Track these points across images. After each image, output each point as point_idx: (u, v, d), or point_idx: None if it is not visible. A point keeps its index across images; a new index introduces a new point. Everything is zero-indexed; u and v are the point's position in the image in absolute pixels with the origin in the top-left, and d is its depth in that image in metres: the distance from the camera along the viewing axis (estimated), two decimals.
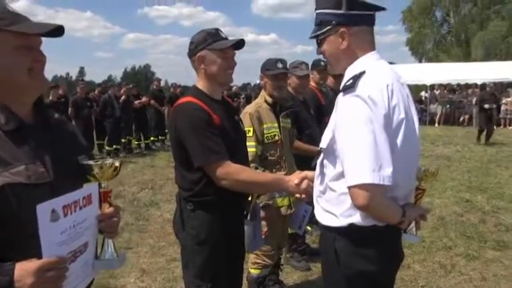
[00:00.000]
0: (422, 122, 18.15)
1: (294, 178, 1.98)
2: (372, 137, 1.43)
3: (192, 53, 2.16)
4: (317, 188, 1.73)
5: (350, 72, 1.61)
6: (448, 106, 18.21)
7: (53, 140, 1.33)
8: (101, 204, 1.34)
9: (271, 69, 3.08)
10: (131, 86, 12.33)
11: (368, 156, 1.42)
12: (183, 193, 2.16)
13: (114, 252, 1.37)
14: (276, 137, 2.99)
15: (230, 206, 2.13)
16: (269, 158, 2.98)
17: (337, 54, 1.67)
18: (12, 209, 1.16)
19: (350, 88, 1.51)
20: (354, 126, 1.46)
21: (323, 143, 1.66)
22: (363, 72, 1.54)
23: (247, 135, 2.81)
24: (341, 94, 1.57)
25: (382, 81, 1.52)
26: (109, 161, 1.35)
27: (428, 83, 18.79)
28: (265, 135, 2.95)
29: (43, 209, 1.09)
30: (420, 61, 35.62)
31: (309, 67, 4.07)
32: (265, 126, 2.96)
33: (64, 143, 1.38)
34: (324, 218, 1.68)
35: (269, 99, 3.09)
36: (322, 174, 1.69)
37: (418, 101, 19.90)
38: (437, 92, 18.87)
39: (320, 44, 1.71)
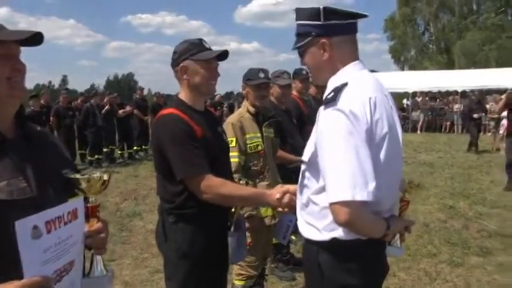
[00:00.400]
0: (404, 129, 18.39)
1: (276, 192, 1.97)
2: (353, 152, 1.40)
3: (175, 63, 2.13)
4: (299, 200, 1.71)
5: (332, 84, 1.59)
6: (429, 113, 18.50)
7: (36, 154, 1.28)
8: (89, 219, 1.28)
9: (253, 79, 3.07)
10: (115, 94, 12.22)
11: (349, 172, 1.39)
12: (165, 205, 2.13)
13: (103, 269, 1.31)
14: (259, 147, 2.96)
15: (212, 218, 2.09)
16: (252, 168, 2.95)
17: (319, 65, 1.64)
18: None
19: (331, 101, 1.48)
20: (335, 141, 1.43)
21: (305, 156, 1.64)
22: (345, 84, 1.51)
23: (230, 145, 2.78)
24: (322, 107, 1.54)
25: (364, 94, 1.49)
26: (97, 174, 1.30)
27: (410, 90, 19.06)
28: (248, 145, 2.92)
29: (23, 226, 1.00)
30: (402, 69, 36.25)
31: (291, 76, 4.07)
32: (248, 136, 2.93)
33: (47, 157, 1.33)
34: (306, 231, 1.65)
35: (251, 109, 3.08)
36: (304, 186, 1.66)
37: (400, 108, 20.18)
38: (418, 100, 19.16)
39: (301, 55, 1.69)
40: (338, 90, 1.50)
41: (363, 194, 1.39)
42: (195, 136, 2.00)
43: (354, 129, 1.42)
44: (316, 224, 1.59)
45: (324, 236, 1.56)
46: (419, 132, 17.71)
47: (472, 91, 17.83)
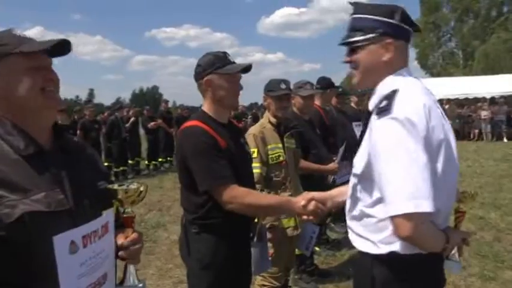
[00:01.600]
0: None
1: (301, 200, 1.96)
2: (412, 161, 1.33)
3: (199, 76, 2.16)
4: (350, 212, 1.65)
5: (380, 91, 1.52)
6: (456, 121, 18.05)
7: (72, 166, 1.31)
8: (125, 229, 1.33)
9: (275, 90, 3.07)
10: (147, 108, 12.47)
11: (409, 182, 1.32)
12: (188, 216, 2.15)
13: (136, 280, 1.33)
14: (281, 158, 2.96)
15: (235, 228, 2.11)
16: (274, 179, 2.94)
17: (375, 65, 1.55)
18: (32, 238, 1.13)
19: (385, 110, 1.41)
20: (393, 152, 1.36)
21: (356, 169, 1.57)
22: (396, 91, 1.45)
23: (252, 156, 2.79)
24: (374, 117, 1.47)
25: (418, 100, 1.43)
26: (134, 186, 1.33)
27: (436, 97, 18.62)
28: (270, 156, 2.92)
29: (61, 241, 1.04)
30: (431, 75, 35.69)
31: (313, 87, 4.06)
32: (269, 147, 2.94)
33: (83, 169, 1.36)
34: (360, 244, 1.59)
35: (273, 120, 3.08)
36: (355, 198, 1.60)
37: None
38: (446, 107, 18.73)
39: (353, 51, 1.59)
40: (390, 98, 1.43)
41: (426, 205, 1.32)
42: (219, 147, 2.02)
43: (412, 137, 1.35)
44: (371, 237, 1.54)
45: (381, 250, 1.50)
46: None
47: (502, 97, 17.40)
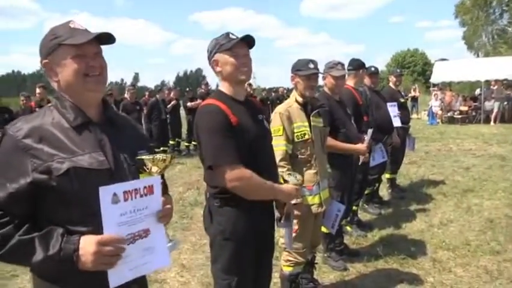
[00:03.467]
0: (476, 120, 17.31)
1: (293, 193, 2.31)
2: None
3: (209, 61, 2.27)
4: None
5: None
6: (505, 103, 17.18)
7: (116, 135, 1.53)
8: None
9: (303, 69, 3.10)
10: (188, 89, 12.71)
11: None
12: (210, 190, 2.25)
13: (168, 238, 1.51)
14: (306, 136, 3.00)
15: (256, 203, 2.18)
16: (299, 156, 3.00)
17: None
18: (75, 189, 1.36)
19: None
20: None
21: None
22: None
23: (278, 134, 2.86)
24: None
25: None
26: (160, 156, 1.51)
27: (483, 78, 17.83)
28: (295, 134, 2.97)
29: (105, 191, 1.26)
30: (476, 56, 33.98)
31: (345, 67, 4.05)
32: (295, 125, 2.98)
33: (126, 137, 1.58)
34: None
35: (300, 99, 3.12)
36: None
37: (472, 98, 18.98)
38: (494, 88, 17.85)
39: None
40: None
41: None
42: (230, 125, 2.09)
43: None
44: None
45: None
46: (492, 123, 16.52)
47: None
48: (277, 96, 14.65)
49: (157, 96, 11.40)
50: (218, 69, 2.23)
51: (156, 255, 1.42)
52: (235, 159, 2.08)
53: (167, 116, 11.19)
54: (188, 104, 11.70)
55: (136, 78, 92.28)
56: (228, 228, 2.18)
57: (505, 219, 5.13)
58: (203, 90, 12.86)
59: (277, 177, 2.39)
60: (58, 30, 1.48)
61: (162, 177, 1.55)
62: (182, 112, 12.27)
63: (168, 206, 1.52)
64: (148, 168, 1.51)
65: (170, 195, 1.64)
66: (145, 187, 1.37)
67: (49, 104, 1.55)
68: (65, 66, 1.45)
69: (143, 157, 1.50)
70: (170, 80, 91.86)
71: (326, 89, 3.93)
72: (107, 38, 1.51)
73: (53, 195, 1.37)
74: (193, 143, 12.17)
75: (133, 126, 1.71)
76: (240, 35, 2.20)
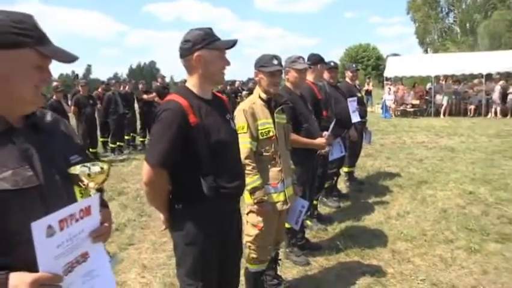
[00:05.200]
0: (427, 113, 18.05)
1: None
2: None
3: (187, 52, 2.14)
4: None
5: None
6: (453, 97, 18.03)
7: (43, 142, 1.30)
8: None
9: (267, 65, 3.06)
10: (143, 82, 12.31)
11: None
12: (172, 192, 2.17)
13: (107, 257, 1.37)
14: (271, 133, 2.97)
15: (220, 203, 2.13)
16: (264, 154, 2.97)
17: None
18: (0, 217, 1.14)
19: None
20: None
21: None
22: None
23: (242, 131, 2.81)
24: None
25: None
26: (97, 167, 1.32)
27: (433, 74, 18.61)
28: (260, 131, 2.93)
29: (39, 226, 1.07)
30: (426, 52, 35.40)
31: (305, 61, 4.05)
32: (259, 122, 2.94)
33: (55, 144, 1.35)
34: None
35: (263, 96, 3.08)
36: None
37: (421, 90, 19.75)
38: (443, 83, 18.68)
39: None
40: None
41: None
42: (187, 126, 2.03)
43: None
44: None
45: None
46: (442, 116, 17.30)
47: (498, 74, 17.32)
48: (233, 90, 14.52)
49: (113, 89, 11.01)
50: (198, 65, 2.12)
51: (99, 278, 1.30)
52: (160, 161, 2.05)
53: (125, 110, 10.83)
54: (144, 96, 11.42)
55: (88, 70, 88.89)
56: (190, 232, 2.11)
57: (457, 209, 5.37)
58: (158, 84, 12.56)
59: (243, 177, 2.35)
60: (20, 24, 1.22)
61: (100, 190, 1.37)
62: (136, 106, 11.94)
63: (106, 224, 1.34)
64: (84, 185, 1.30)
65: (109, 209, 1.46)
66: (81, 210, 1.20)
67: None
68: (19, 72, 1.22)
69: (78, 172, 1.29)
70: (123, 72, 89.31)
71: (288, 84, 3.92)
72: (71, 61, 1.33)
73: None
74: (148, 137, 11.89)
75: (62, 132, 1.46)
76: (225, 37, 2.16)
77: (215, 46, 2.09)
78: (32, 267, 1.10)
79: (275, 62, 3.06)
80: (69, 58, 1.30)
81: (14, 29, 1.21)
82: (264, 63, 3.08)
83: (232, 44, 2.15)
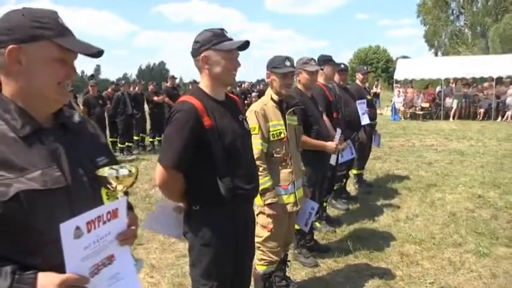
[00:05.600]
0: (436, 116, 17.94)
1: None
2: None
3: (196, 53, 2.16)
4: None
5: None
6: (463, 100, 17.91)
7: (72, 142, 1.31)
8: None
9: (280, 67, 3.07)
10: (154, 83, 12.35)
11: None
12: (189, 193, 2.17)
13: (132, 260, 1.36)
14: (282, 135, 2.99)
15: (235, 206, 2.14)
16: (275, 155, 2.98)
17: None
18: (27, 217, 1.14)
19: None
20: None
21: None
22: None
23: (253, 132, 2.82)
24: None
25: None
26: (125, 170, 1.30)
27: (443, 76, 18.50)
28: (271, 133, 2.95)
29: (67, 227, 1.07)
30: (436, 54, 35.20)
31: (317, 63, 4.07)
32: (271, 123, 2.96)
33: (83, 146, 1.36)
34: None
35: (275, 97, 3.10)
36: None
37: (431, 93, 19.64)
38: (452, 86, 18.56)
39: None
40: None
41: None
42: (201, 128, 2.04)
43: None
44: None
45: None
46: (451, 119, 17.19)
47: (509, 77, 17.17)
48: (242, 91, 14.57)
49: (122, 89, 11.10)
50: (205, 66, 2.14)
51: (124, 281, 1.29)
52: (174, 163, 2.06)
53: (134, 110, 10.91)
54: (155, 98, 11.48)
55: (97, 70, 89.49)
56: (207, 233, 2.13)
57: (466, 213, 5.34)
58: (168, 84, 12.61)
59: (257, 179, 2.36)
60: (42, 19, 1.22)
61: (126, 193, 1.35)
62: (146, 107, 12.01)
63: (133, 227, 1.32)
64: (112, 188, 1.29)
65: (135, 214, 1.44)
66: (108, 212, 1.19)
67: None
68: (39, 66, 1.21)
69: (106, 174, 1.27)
70: (132, 73, 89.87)
71: (299, 86, 3.93)
72: (93, 52, 1.29)
73: (0, 225, 1.13)
74: (157, 138, 11.98)
75: (90, 131, 1.46)
76: (234, 37, 2.15)
77: (221, 47, 2.09)
78: (59, 268, 1.10)
79: (288, 63, 3.08)
80: (91, 50, 1.27)
81: (33, 23, 1.21)
82: (276, 64, 3.10)
83: (241, 45, 2.12)
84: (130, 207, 1.45)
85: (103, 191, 1.33)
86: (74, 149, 1.29)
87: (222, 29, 2.16)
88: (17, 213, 1.12)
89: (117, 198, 1.32)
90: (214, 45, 2.10)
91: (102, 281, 1.22)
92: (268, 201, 2.87)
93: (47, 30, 1.21)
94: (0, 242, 1.14)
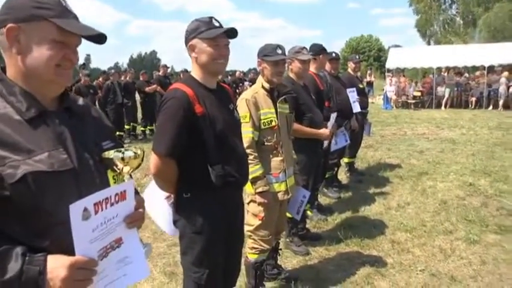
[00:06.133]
0: (428, 105, 18.00)
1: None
2: None
3: (185, 42, 2.17)
4: None
5: None
6: (455, 89, 17.97)
7: (76, 126, 1.31)
8: None
9: (271, 55, 3.03)
10: (143, 71, 12.25)
11: None
12: (181, 180, 2.16)
13: (141, 244, 1.36)
14: (273, 123, 2.97)
15: (226, 193, 2.15)
16: (266, 143, 2.96)
17: None
18: (35, 198, 1.14)
19: None
20: None
21: None
22: None
23: (244, 120, 2.80)
24: None
25: None
26: (130, 153, 1.31)
27: (435, 65, 18.53)
28: (262, 121, 2.93)
29: (76, 208, 1.07)
30: (428, 44, 35.24)
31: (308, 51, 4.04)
32: (261, 112, 2.93)
33: (88, 129, 1.37)
34: None
35: (266, 85, 3.07)
36: None
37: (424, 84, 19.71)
38: (445, 75, 18.60)
39: None
40: None
41: None
42: (192, 115, 2.03)
43: None
44: None
45: None
46: (443, 108, 17.26)
47: (500, 66, 17.24)
48: (233, 80, 14.47)
49: (111, 79, 10.97)
50: (193, 54, 2.14)
51: (132, 265, 1.29)
52: (167, 151, 2.06)
53: (124, 100, 10.81)
54: (147, 88, 11.39)
55: (88, 59, 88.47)
56: (198, 220, 2.12)
57: (457, 201, 5.39)
58: (160, 73, 12.50)
59: (247, 167, 2.36)
60: (47, 1, 1.22)
61: (130, 177, 1.35)
62: (137, 96, 11.90)
63: (140, 209, 1.33)
64: (118, 169, 1.30)
65: (142, 196, 1.45)
66: (116, 194, 1.19)
67: None
68: (37, 46, 1.20)
69: (112, 156, 1.29)
70: (124, 62, 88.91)
71: (291, 74, 3.91)
72: (96, 38, 1.28)
73: (6, 206, 1.13)
74: (148, 127, 11.90)
75: (94, 115, 1.47)
76: (224, 24, 2.12)
77: (205, 35, 2.07)
78: (67, 251, 1.11)
79: (279, 51, 3.05)
80: (89, 32, 1.25)
81: (34, 3, 1.20)
82: (267, 52, 3.06)
83: (229, 32, 2.10)
84: (135, 191, 1.44)
85: (110, 174, 1.34)
86: (80, 133, 1.30)
87: (211, 18, 2.14)
88: (25, 195, 1.13)
89: (123, 180, 1.32)
90: (199, 33, 2.09)
91: (110, 264, 1.22)
92: (259, 189, 2.85)
93: (47, 11, 1.20)
94: (9, 224, 1.15)
